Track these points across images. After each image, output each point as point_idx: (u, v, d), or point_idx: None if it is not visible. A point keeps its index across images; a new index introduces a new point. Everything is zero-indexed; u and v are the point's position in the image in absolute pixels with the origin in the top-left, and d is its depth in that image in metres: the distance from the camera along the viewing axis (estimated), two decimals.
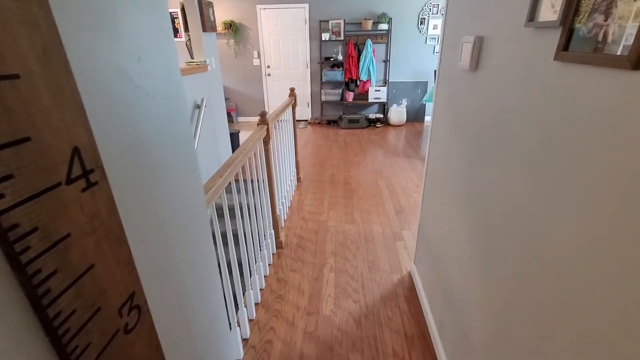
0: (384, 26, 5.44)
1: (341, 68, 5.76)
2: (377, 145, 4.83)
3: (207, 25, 3.41)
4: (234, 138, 4.41)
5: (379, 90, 5.76)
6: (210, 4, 3.47)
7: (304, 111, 6.35)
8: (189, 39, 3.55)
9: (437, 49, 5.79)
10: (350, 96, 5.86)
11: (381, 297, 1.90)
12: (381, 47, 5.79)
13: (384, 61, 5.87)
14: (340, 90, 5.87)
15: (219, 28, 5.74)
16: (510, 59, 0.89)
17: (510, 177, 0.89)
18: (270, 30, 5.83)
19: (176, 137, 0.72)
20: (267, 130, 2.10)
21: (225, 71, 6.15)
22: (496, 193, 0.97)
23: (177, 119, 0.73)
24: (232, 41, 5.92)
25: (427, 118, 6.16)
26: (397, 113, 5.81)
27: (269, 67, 6.09)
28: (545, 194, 0.73)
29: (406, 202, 3.04)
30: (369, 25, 5.44)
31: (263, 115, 2.09)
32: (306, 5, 5.61)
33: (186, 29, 3.32)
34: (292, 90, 3.25)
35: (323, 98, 5.91)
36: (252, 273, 1.78)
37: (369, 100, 5.84)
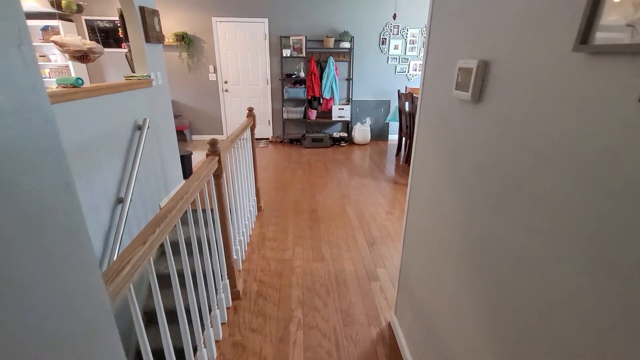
0: (346, 44, 5.34)
1: (303, 85, 5.55)
2: (342, 166, 4.61)
3: (152, 35, 3.00)
4: (186, 160, 3.95)
5: (343, 109, 5.62)
6: (155, 13, 3.08)
7: (265, 129, 6.02)
8: (129, 51, 3.11)
9: (399, 69, 5.84)
10: (313, 114, 5.65)
11: (359, 359, 1.60)
12: (344, 65, 5.68)
13: (347, 79, 5.76)
14: (303, 108, 5.64)
15: (170, 40, 5.28)
16: (544, 93, 0.66)
17: (535, 239, 0.64)
18: (227, 44, 5.49)
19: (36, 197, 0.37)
20: (219, 161, 1.75)
21: (177, 86, 5.67)
22: (511, 251, 0.73)
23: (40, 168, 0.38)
24: (185, 54, 5.48)
25: (391, 137, 6.13)
26: (361, 132, 5.69)
27: (226, 82, 5.71)
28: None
29: (377, 232, 2.80)
30: (331, 43, 5.32)
31: (213, 144, 1.74)
32: (265, 20, 5.37)
33: (127, 39, 2.91)
34: (250, 110, 2.93)
35: (285, 116, 5.63)
36: (198, 348, 1.39)
37: (333, 119, 5.67)
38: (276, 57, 5.58)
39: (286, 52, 5.31)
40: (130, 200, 2.48)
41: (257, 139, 5.94)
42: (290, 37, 5.39)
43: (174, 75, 5.60)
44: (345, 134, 5.78)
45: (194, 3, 5.24)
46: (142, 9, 2.86)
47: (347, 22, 5.45)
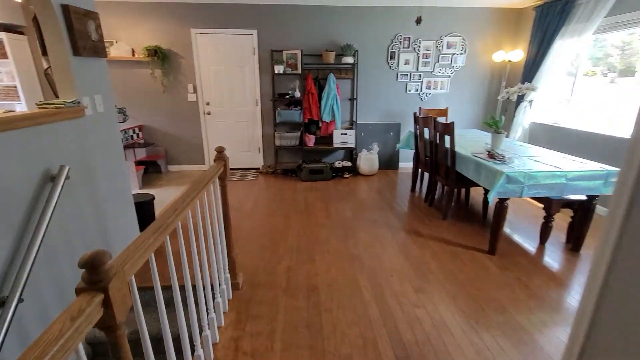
0: (349, 59, 4.53)
1: (299, 107, 4.70)
2: (347, 206, 3.71)
3: (84, 46, 2.13)
4: (146, 207, 3.03)
5: (346, 134, 4.75)
6: (91, 15, 2.23)
7: (255, 158, 5.13)
8: (49, 67, 2.24)
9: (411, 87, 5.03)
10: (311, 140, 4.78)
11: None
12: (346, 84, 4.86)
13: (351, 99, 4.94)
14: (299, 134, 4.77)
15: (140, 55, 4.45)
16: None
17: None
18: (209, 59, 4.67)
19: None
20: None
21: (149, 109, 4.80)
22: None
23: None
24: (158, 72, 4.64)
25: (402, 165, 5.25)
26: (368, 161, 4.81)
27: (208, 104, 4.86)
28: None
29: (409, 332, 1.86)
30: (331, 57, 4.51)
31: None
32: (254, 32, 4.57)
33: (44, 52, 2.06)
34: (220, 151, 2.05)
35: (278, 142, 4.76)
36: None
37: (334, 146, 4.80)
38: (267, 74, 4.76)
39: (279, 69, 4.49)
40: (21, 300, 1.54)
41: (245, 169, 5.04)
42: (284, 52, 4.58)
43: (146, 96, 4.75)
44: (349, 163, 4.90)
45: (169, 12, 4.44)
46: (66, 8, 2.00)
47: (350, 34, 4.66)
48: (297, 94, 4.60)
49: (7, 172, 1.57)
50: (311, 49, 4.67)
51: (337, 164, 4.85)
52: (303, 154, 4.84)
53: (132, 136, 4.58)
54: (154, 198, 3.14)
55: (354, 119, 4.98)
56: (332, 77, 4.57)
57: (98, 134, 2.30)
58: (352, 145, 4.81)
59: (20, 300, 1.52)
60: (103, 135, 2.37)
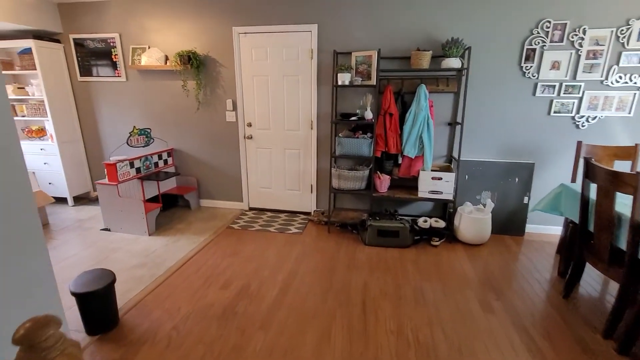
0: (453, 62, 2.86)
1: (369, 134, 3.19)
2: (436, 309, 2.02)
3: None
4: (100, 297, 1.87)
5: (440, 178, 3.05)
6: None
7: (306, 200, 3.77)
8: None
9: (559, 106, 3.06)
10: (384, 184, 3.20)
11: None
12: (446, 100, 3.18)
13: (451, 124, 3.23)
14: (367, 172, 3.24)
15: (172, 63, 3.52)
16: None
17: None
18: (253, 67, 3.51)
19: None
20: None
21: (180, 129, 3.86)
22: None
23: None
24: (192, 84, 3.66)
25: (533, 228, 3.29)
26: (475, 222, 3.01)
27: (249, 125, 3.69)
28: None
29: None
30: (424, 60, 2.90)
31: None
32: (313, 28, 3.26)
33: None
34: None
35: (336, 183, 3.30)
36: None
37: (420, 194, 3.13)
38: (327, 85, 3.38)
39: (344, 78, 3.06)
40: None
41: (291, 213, 3.70)
42: (353, 54, 3.15)
43: (177, 113, 3.81)
44: (442, 223, 3.16)
45: (207, 6, 3.42)
46: None
47: (457, 25, 3.00)
48: (368, 115, 3.10)
49: None
50: (393, 49, 3.14)
51: (423, 223, 3.15)
52: (371, 201, 3.28)
53: (156, 163, 3.65)
54: (113, 281, 1.95)
55: (455, 155, 3.24)
56: (423, 91, 2.95)
57: None
58: (449, 196, 3.07)
59: None
60: None
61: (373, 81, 3.10)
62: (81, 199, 4.26)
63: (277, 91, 3.52)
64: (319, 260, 2.80)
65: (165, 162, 3.82)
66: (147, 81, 3.77)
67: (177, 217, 3.72)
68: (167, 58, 3.60)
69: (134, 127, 3.44)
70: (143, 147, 3.55)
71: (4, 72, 3.77)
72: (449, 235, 3.18)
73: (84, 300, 1.83)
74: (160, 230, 3.35)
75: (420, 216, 3.40)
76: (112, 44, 3.73)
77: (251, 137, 3.72)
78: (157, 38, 3.61)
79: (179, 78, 3.64)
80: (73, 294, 1.80)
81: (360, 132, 3.24)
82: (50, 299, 1.57)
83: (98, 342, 1.87)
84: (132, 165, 3.31)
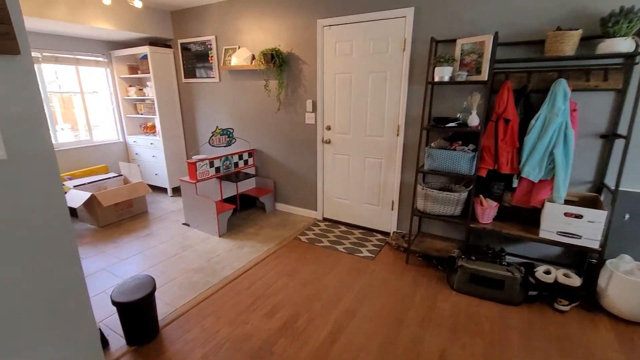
0: (621, 45, 1.88)
1: (473, 145, 2.43)
2: None
3: None
4: (142, 306, 1.79)
5: (581, 216, 2.08)
6: None
7: (385, 217, 3.22)
8: None
9: None
10: (488, 213, 2.40)
11: None
12: (600, 101, 2.18)
13: (606, 136, 2.20)
14: (464, 195, 2.49)
15: (257, 62, 3.42)
16: None
17: None
18: (337, 62, 3.12)
19: None
20: None
21: (261, 130, 3.77)
22: None
23: None
24: (273, 83, 3.51)
25: None
26: (636, 288, 1.95)
27: (329, 128, 3.33)
28: None
29: None
30: (568, 44, 2.00)
31: None
32: (409, 12, 2.66)
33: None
34: None
35: (421, 204, 2.65)
36: None
37: (542, 234, 2.22)
38: (419, 84, 2.75)
39: (443, 73, 2.40)
40: None
41: (366, 231, 3.21)
42: (458, 42, 2.44)
43: (259, 114, 3.73)
44: (575, 279, 2.17)
45: (293, 1, 3.18)
46: None
47: None
48: (474, 121, 2.35)
49: None
50: (517, 32, 2.30)
51: (543, 274, 2.23)
52: (468, 233, 2.52)
53: (236, 163, 3.65)
54: (152, 292, 1.84)
55: (609, 183, 2.20)
56: (562, 88, 2.05)
57: None
58: (593, 243, 2.07)
59: None
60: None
61: (484, 76, 2.33)
62: (178, 191, 4.65)
63: (360, 90, 3.05)
64: (386, 301, 2.25)
65: (246, 162, 3.80)
66: (235, 81, 3.80)
67: (251, 219, 3.66)
68: (253, 57, 3.53)
69: (217, 127, 3.48)
70: (224, 147, 3.58)
71: (130, 75, 4.35)
72: (587, 299, 2.18)
73: (122, 309, 1.76)
74: (230, 233, 3.31)
75: (539, 262, 2.46)
76: (209, 46, 3.88)
77: (329, 142, 3.35)
78: (247, 37, 3.58)
79: (262, 78, 3.54)
80: (113, 302, 1.75)
81: (460, 142, 2.50)
82: (81, 308, 1.51)
83: (133, 355, 1.79)
84: (211, 164, 3.35)
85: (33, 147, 1.30)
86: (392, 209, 3.14)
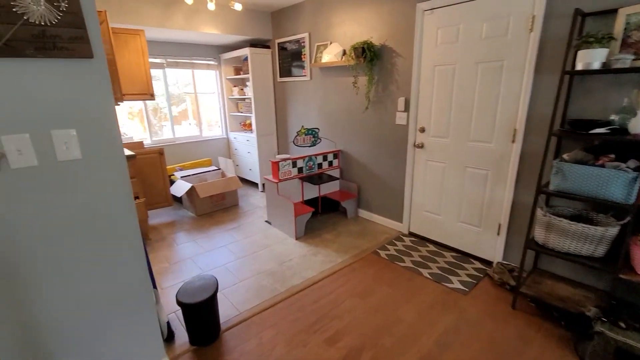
0: None
1: (636, 162, 1.68)
2: None
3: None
4: (206, 307, 1.80)
5: None
6: None
7: (488, 243, 2.61)
8: None
9: None
10: None
11: None
12: None
13: None
14: (613, 231, 1.75)
15: (347, 57, 3.19)
16: None
17: None
18: (437, 53, 2.64)
19: None
20: None
21: (347, 130, 3.53)
22: None
23: None
24: (363, 80, 3.21)
25: None
26: None
27: (422, 130, 2.87)
28: None
29: None
30: None
31: None
32: None
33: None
34: None
35: (541, 235, 1.99)
36: None
37: None
38: (551, 74, 2.06)
39: (592, 57, 1.72)
40: None
41: (460, 255, 2.67)
42: (620, 12, 1.71)
43: (346, 113, 3.50)
44: None
45: None
46: None
47: None
48: (638, 127, 1.60)
49: None
50: None
51: None
52: (614, 284, 1.76)
53: (320, 164, 3.52)
54: (214, 295, 1.81)
55: None
56: None
57: (60, 200, 1.21)
58: None
59: None
60: (74, 200, 1.25)
61: None
62: None
63: (464, 85, 2.50)
64: (478, 355, 1.75)
65: (330, 164, 3.63)
66: (325, 79, 3.66)
67: (330, 224, 3.48)
68: (344, 53, 3.31)
69: (302, 126, 3.39)
70: (309, 147, 3.47)
71: (234, 76, 4.67)
72: None
73: (185, 309, 1.78)
74: (307, 236, 3.20)
75: None
76: (302, 44, 3.83)
77: (422, 146, 2.89)
78: (338, 32, 3.37)
79: (352, 74, 3.28)
80: (177, 302, 1.78)
81: (612, 156, 1.77)
82: (144, 301, 1.55)
83: (192, 354, 1.80)
84: (294, 164, 3.29)
85: (104, 148, 1.34)
86: (498, 234, 2.51)
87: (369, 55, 3.00)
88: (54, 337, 1.33)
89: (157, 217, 3.82)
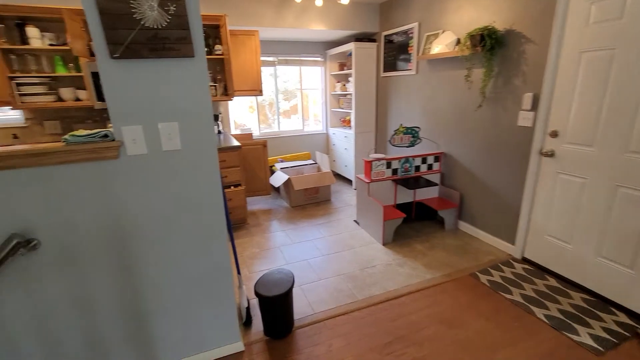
0: None
1: None
2: None
3: (124, 41, 1.22)
4: (281, 301, 1.85)
5: None
6: None
7: (621, 283, 1.92)
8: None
9: None
10: None
11: None
12: None
13: None
14: None
15: (462, 46, 2.79)
16: None
17: None
18: (587, 36, 2.03)
19: None
20: None
21: (453, 130, 3.11)
22: None
23: None
24: (477, 73, 2.74)
25: None
26: None
27: (554, 135, 2.28)
28: None
29: None
30: None
31: None
32: None
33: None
34: None
35: None
36: None
37: None
38: None
39: None
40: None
41: (598, 298, 2.08)
42: None
43: (454, 110, 3.08)
44: None
45: None
46: None
47: None
48: None
49: None
50: None
51: None
52: None
53: (418, 167, 3.21)
54: (288, 291, 1.81)
55: None
56: None
57: (162, 185, 1.39)
58: None
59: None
60: (172, 187, 1.41)
61: None
62: None
63: (627, 77, 1.86)
64: None
65: (430, 167, 3.27)
66: (432, 72, 3.29)
67: (423, 233, 3.16)
68: (457, 42, 2.90)
69: (400, 124, 3.14)
70: (406, 147, 3.20)
71: (338, 72, 4.68)
72: None
73: (261, 300, 1.83)
74: (395, 243, 2.97)
75: None
76: (410, 35, 3.53)
77: (552, 154, 2.31)
78: (453, 18, 2.97)
79: (464, 66, 2.85)
80: (255, 292, 1.84)
81: None
82: (225, 286, 1.65)
83: (264, 345, 1.85)
84: (388, 165, 3.08)
85: (199, 140, 1.44)
86: None
87: (488, 43, 2.54)
88: (154, 299, 1.52)
89: (256, 203, 4.15)
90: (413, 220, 3.41)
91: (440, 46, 3.03)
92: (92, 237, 1.35)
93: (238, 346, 1.76)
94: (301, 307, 2.14)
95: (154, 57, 1.27)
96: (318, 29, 3.80)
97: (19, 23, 2.73)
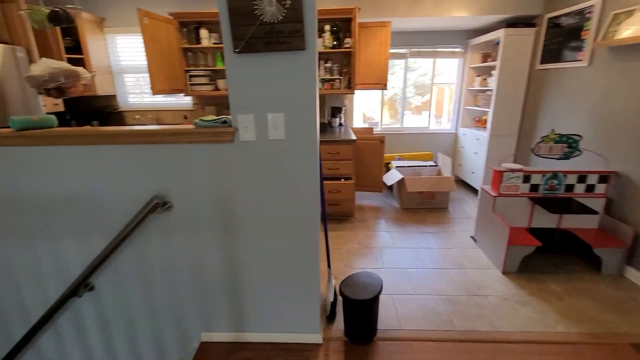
0: None
1: None
2: None
3: (245, 36, 1.34)
4: (367, 305, 1.81)
5: None
6: None
7: None
8: None
9: None
10: None
11: None
12: None
13: None
14: None
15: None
16: None
17: None
18: None
19: None
20: None
21: (632, 145, 2.27)
22: None
23: None
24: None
25: None
26: None
27: None
28: None
29: None
30: None
31: None
32: None
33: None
34: None
35: None
36: None
37: None
38: None
39: None
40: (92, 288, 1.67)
41: None
42: None
43: (638, 117, 2.23)
44: None
45: None
46: None
47: None
48: None
49: (119, 186, 1.53)
50: None
51: None
52: None
53: (571, 186, 2.51)
54: (375, 297, 1.71)
55: None
56: None
57: (265, 171, 1.52)
58: None
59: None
60: (274, 172, 1.53)
61: None
62: None
63: None
64: None
65: (590, 189, 2.50)
66: (614, 63, 2.47)
67: (565, 271, 2.47)
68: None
69: (552, 130, 2.49)
70: (557, 159, 2.53)
71: (480, 64, 4.08)
72: None
73: (344, 300, 1.79)
74: (520, 275, 2.42)
75: None
76: (587, 15, 2.73)
77: None
78: None
79: (631, 58, 2.00)
80: (340, 291, 1.81)
81: None
82: (311, 277, 1.68)
83: (342, 344, 1.81)
84: (526, 179, 2.51)
85: (301, 132, 1.47)
86: None
87: None
88: (247, 273, 1.68)
89: (366, 199, 4.10)
90: (552, 252, 2.71)
91: (635, 27, 2.22)
92: (208, 207, 1.56)
93: (316, 337, 1.78)
94: (388, 319, 2.00)
95: (268, 50, 1.34)
96: (459, 16, 3.36)
97: (196, 27, 3.41)
